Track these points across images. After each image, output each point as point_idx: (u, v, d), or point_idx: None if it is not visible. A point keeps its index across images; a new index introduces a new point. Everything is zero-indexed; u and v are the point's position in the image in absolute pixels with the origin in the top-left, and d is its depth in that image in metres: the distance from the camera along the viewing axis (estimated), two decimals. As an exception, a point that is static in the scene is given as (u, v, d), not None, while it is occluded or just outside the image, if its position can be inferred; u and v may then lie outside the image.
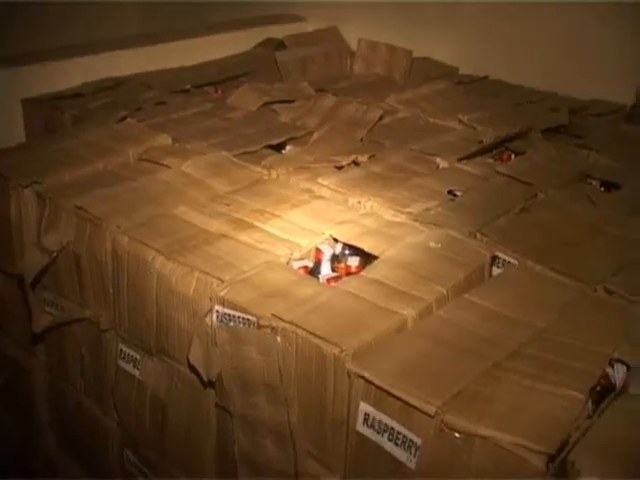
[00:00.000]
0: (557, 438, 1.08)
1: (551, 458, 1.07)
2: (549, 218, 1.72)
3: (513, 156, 2.11)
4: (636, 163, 2.08)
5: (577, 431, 1.11)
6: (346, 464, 1.31)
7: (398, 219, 1.67)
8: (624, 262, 1.56)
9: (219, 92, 2.59)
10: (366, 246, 1.54)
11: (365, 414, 1.22)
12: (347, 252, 1.57)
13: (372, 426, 1.22)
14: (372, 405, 1.21)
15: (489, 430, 1.10)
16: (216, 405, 1.52)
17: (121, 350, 1.70)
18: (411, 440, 1.17)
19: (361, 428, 1.23)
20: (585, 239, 1.65)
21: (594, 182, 1.97)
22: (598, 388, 1.21)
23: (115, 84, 2.61)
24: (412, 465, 1.18)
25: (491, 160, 2.06)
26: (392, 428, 1.19)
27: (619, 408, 1.16)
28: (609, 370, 1.24)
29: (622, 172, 2.02)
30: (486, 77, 2.85)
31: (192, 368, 1.49)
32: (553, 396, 1.17)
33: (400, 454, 1.19)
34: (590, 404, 1.18)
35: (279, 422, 1.38)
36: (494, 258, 1.53)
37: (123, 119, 2.26)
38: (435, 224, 1.64)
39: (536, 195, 1.84)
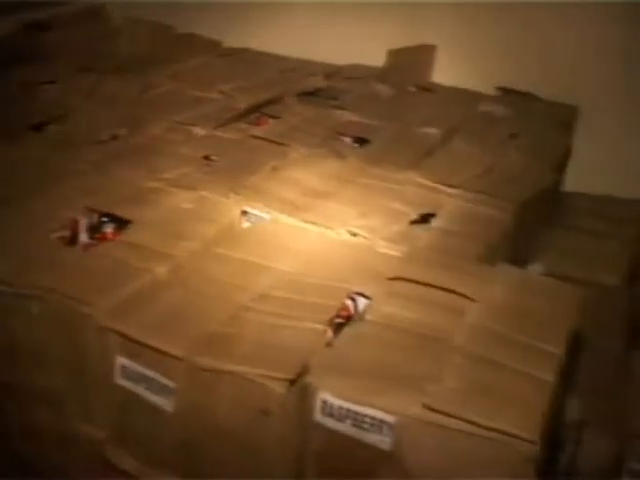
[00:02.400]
0: (296, 365, 1.17)
1: (292, 383, 1.14)
2: (300, 174, 1.81)
3: (269, 120, 2.18)
4: (385, 119, 2.21)
5: (316, 357, 1.18)
6: (112, 419, 1.34)
7: (154, 185, 1.72)
8: (369, 207, 1.66)
9: None
10: (120, 213, 1.57)
11: (122, 367, 1.27)
12: (103, 220, 1.60)
13: (130, 378, 1.27)
14: (127, 357, 1.26)
15: (236, 366, 1.17)
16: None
17: None
18: (166, 385, 1.23)
19: (120, 381, 1.28)
20: (334, 190, 1.74)
21: (346, 139, 2.07)
22: (339, 320, 1.29)
23: None
24: (170, 408, 1.24)
25: (247, 125, 2.12)
26: (148, 377, 1.25)
27: (354, 333, 1.26)
28: (349, 303, 1.33)
29: (373, 128, 2.14)
30: (247, 49, 2.91)
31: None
32: (295, 330, 1.25)
33: (158, 400, 1.25)
34: (331, 334, 1.26)
35: (48, 388, 1.40)
36: (244, 213, 1.60)
37: None
38: (190, 187, 1.69)
39: (288, 154, 1.91)
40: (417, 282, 1.35)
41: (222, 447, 1.23)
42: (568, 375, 1.45)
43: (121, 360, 1.27)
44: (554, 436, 1.40)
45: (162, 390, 1.24)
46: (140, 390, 1.26)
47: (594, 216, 2.29)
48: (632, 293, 1.95)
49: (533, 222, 1.93)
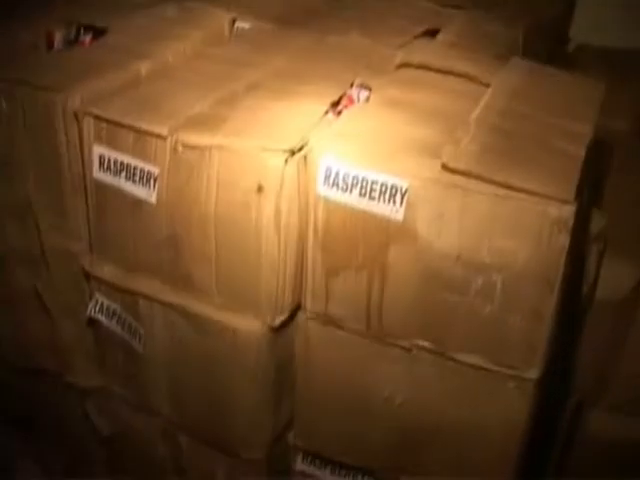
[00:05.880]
0: (297, 139, 1.03)
1: (290, 154, 1.01)
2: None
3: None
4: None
5: (318, 130, 1.05)
6: (89, 224, 1.20)
7: None
8: (371, 22, 1.53)
9: None
10: (99, 23, 1.43)
11: (100, 157, 1.14)
12: (81, 31, 1.45)
13: (108, 169, 1.14)
14: (105, 145, 1.12)
15: (226, 139, 1.03)
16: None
17: None
18: (148, 172, 1.10)
19: (98, 174, 1.15)
20: (326, 8, 1.60)
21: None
22: (342, 107, 1.16)
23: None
24: (152, 199, 1.10)
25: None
26: (128, 164, 1.11)
27: (359, 110, 1.16)
28: (353, 92, 1.19)
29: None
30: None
31: None
32: (293, 109, 1.13)
33: (140, 191, 1.12)
34: (334, 117, 1.12)
35: (16, 202, 1.26)
36: (234, 22, 1.46)
37: None
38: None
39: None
40: (426, 67, 1.21)
41: (211, 237, 1.08)
42: (594, 183, 1.31)
43: (98, 149, 1.13)
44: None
45: (144, 178, 1.11)
46: (120, 182, 1.12)
47: (604, 68, 2.15)
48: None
49: (540, 51, 1.78)
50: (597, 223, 1.29)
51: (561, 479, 1.39)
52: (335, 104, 1.16)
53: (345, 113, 1.12)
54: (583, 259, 1.24)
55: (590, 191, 1.30)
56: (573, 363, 1.31)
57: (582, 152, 1.02)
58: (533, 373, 1.01)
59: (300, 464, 1.23)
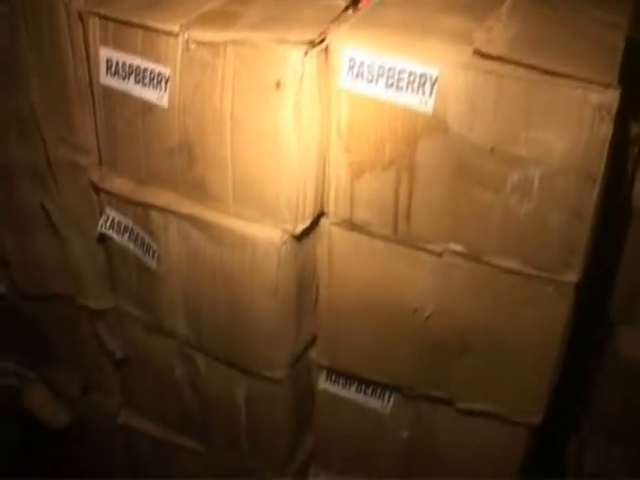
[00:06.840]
0: (315, 31, 0.97)
1: (311, 45, 0.94)
2: None
3: None
4: None
5: (338, 24, 0.98)
6: (98, 135, 1.14)
7: None
8: None
9: None
10: None
11: (107, 60, 1.07)
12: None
13: (116, 72, 1.07)
14: (112, 47, 1.05)
15: (241, 34, 0.96)
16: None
17: None
18: (159, 73, 1.03)
19: (105, 79, 1.09)
20: None
21: None
22: (362, 4, 1.09)
23: None
24: (164, 102, 1.04)
25: None
26: (137, 66, 1.05)
27: (380, 2, 1.04)
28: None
29: None
30: None
31: None
32: (311, 5, 1.07)
33: (150, 94, 1.05)
34: (353, 14, 1.05)
35: (20, 110, 1.19)
36: None
37: None
38: None
39: None
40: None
41: (226, 140, 1.04)
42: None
43: (105, 52, 1.05)
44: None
45: (154, 81, 1.05)
46: (129, 87, 1.07)
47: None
48: None
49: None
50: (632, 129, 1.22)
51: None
52: (355, 1, 1.07)
53: (367, 7, 1.03)
54: (622, 164, 1.16)
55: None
56: (607, 276, 1.25)
57: (621, 40, 0.94)
58: (573, 276, 0.94)
59: (323, 383, 1.18)
